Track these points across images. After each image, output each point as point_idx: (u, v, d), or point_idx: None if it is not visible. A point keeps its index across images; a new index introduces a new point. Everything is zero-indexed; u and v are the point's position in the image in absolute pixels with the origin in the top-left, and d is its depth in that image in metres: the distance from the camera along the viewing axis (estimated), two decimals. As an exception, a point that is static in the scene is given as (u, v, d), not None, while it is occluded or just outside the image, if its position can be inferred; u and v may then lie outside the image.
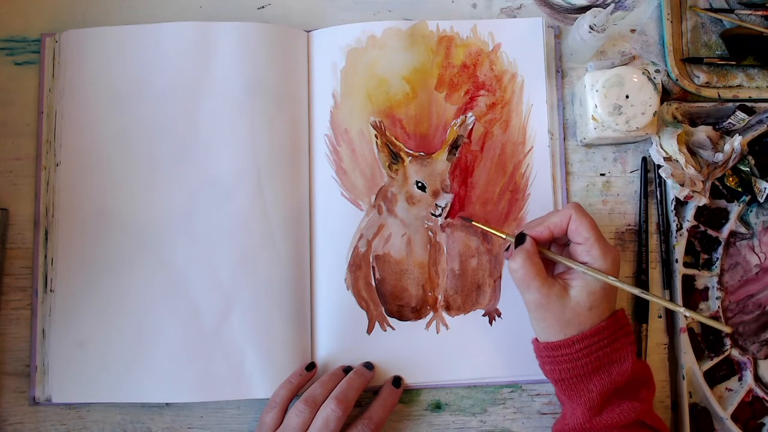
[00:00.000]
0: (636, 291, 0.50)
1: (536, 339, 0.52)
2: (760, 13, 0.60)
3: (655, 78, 0.57)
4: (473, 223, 0.57)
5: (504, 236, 0.55)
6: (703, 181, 0.56)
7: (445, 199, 0.58)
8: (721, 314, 0.58)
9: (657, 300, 0.50)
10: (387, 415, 0.54)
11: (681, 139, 0.56)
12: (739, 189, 0.58)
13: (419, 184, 0.58)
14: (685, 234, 0.58)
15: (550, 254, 0.52)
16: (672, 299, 0.58)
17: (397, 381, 0.55)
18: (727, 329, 0.49)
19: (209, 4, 0.61)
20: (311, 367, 0.55)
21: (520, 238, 0.52)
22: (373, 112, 0.58)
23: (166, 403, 0.56)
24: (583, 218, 0.50)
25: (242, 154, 0.57)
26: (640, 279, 0.58)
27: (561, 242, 0.54)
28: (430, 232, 0.58)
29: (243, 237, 0.56)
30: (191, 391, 0.55)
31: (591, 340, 0.49)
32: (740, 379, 0.58)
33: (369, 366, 0.55)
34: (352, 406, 0.52)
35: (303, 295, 0.57)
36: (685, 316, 0.55)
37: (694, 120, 0.60)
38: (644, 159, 0.60)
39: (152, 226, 0.56)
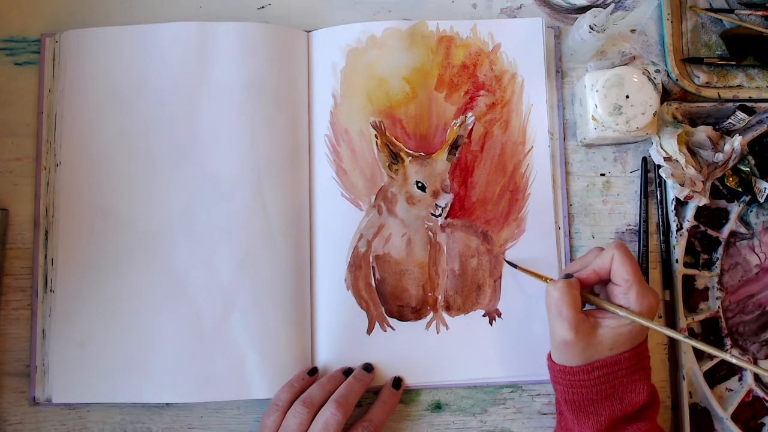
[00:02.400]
0: (679, 336, 0.49)
1: (551, 357, 0.51)
2: (760, 13, 0.60)
3: (655, 78, 0.57)
4: (518, 267, 0.56)
5: (545, 281, 0.53)
6: (703, 181, 0.56)
7: (445, 199, 0.58)
8: (721, 314, 0.58)
9: (705, 348, 0.48)
10: (387, 417, 0.54)
11: (681, 139, 0.56)
12: (739, 189, 0.58)
13: (419, 184, 0.58)
14: (685, 234, 0.58)
15: (591, 298, 0.51)
16: (672, 299, 0.58)
17: (397, 383, 0.55)
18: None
19: (209, 5, 0.61)
20: (313, 372, 0.55)
21: (566, 278, 0.51)
22: (373, 112, 0.58)
23: (166, 404, 0.56)
24: (626, 260, 0.49)
25: (242, 154, 0.57)
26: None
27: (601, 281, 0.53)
28: (430, 233, 0.58)
29: (243, 237, 0.56)
30: (191, 392, 0.55)
31: (609, 368, 0.48)
32: (740, 379, 0.58)
33: (368, 368, 0.55)
34: (352, 410, 0.52)
35: (303, 295, 0.57)
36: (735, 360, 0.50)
37: (694, 120, 0.60)
38: (644, 159, 0.60)
39: (152, 226, 0.56)
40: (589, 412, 0.49)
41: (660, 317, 0.58)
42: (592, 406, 0.49)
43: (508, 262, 0.57)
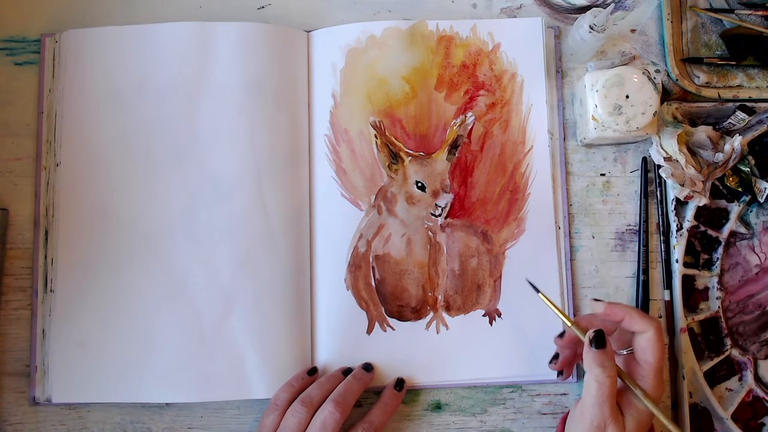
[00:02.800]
0: None
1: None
2: (760, 13, 0.60)
3: (655, 78, 0.57)
4: (540, 295, 0.51)
5: (577, 332, 0.49)
6: (703, 181, 0.56)
7: (445, 199, 0.58)
8: (721, 314, 0.58)
9: None
10: (388, 418, 0.54)
11: (681, 139, 0.56)
12: (739, 189, 0.58)
13: (419, 184, 0.58)
14: (685, 234, 0.58)
15: (618, 371, 0.47)
16: (672, 299, 0.58)
17: (399, 384, 0.55)
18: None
19: (209, 4, 0.61)
20: (313, 371, 0.55)
21: (600, 338, 0.47)
22: (373, 112, 0.58)
23: (166, 403, 0.56)
24: (660, 342, 0.47)
25: (242, 154, 0.57)
26: (640, 279, 0.58)
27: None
28: (430, 232, 0.58)
29: (243, 237, 0.56)
30: (191, 391, 0.55)
31: None
32: (740, 379, 0.58)
33: (368, 367, 0.55)
34: (350, 409, 0.52)
35: (303, 295, 0.57)
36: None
37: (694, 120, 0.60)
38: (644, 159, 0.60)
39: (152, 226, 0.56)
40: None
41: (660, 317, 0.58)
42: None
43: (531, 285, 0.53)
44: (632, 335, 0.48)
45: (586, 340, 0.47)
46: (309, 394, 0.52)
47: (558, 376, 0.55)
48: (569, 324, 0.50)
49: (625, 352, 0.50)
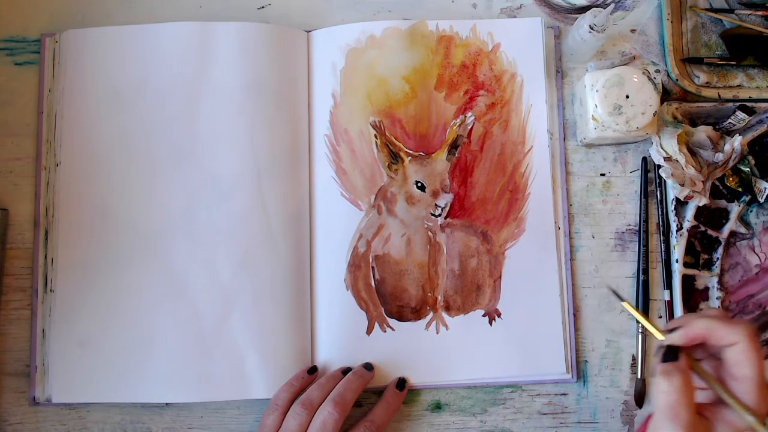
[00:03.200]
0: None
1: None
2: (760, 13, 0.60)
3: (655, 78, 0.57)
4: (624, 303, 0.46)
5: (654, 332, 0.43)
6: (703, 181, 0.56)
7: (445, 199, 0.58)
8: (721, 314, 0.58)
9: None
10: (390, 418, 0.54)
11: (681, 139, 0.56)
12: (739, 189, 0.58)
13: (419, 184, 0.58)
14: (685, 234, 0.58)
15: (706, 376, 0.41)
16: (672, 299, 0.58)
17: (401, 384, 0.55)
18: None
19: (209, 5, 0.61)
20: (313, 370, 0.55)
21: (671, 353, 0.41)
22: (373, 112, 0.58)
23: (166, 403, 0.56)
24: (756, 352, 0.40)
25: (242, 154, 0.57)
26: (640, 279, 0.58)
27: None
28: (429, 233, 0.58)
29: (243, 237, 0.56)
30: (191, 391, 0.55)
31: None
32: (740, 379, 0.58)
33: (368, 367, 0.55)
34: (349, 409, 0.51)
35: (303, 295, 0.57)
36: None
37: (694, 120, 0.60)
38: (644, 159, 0.60)
39: (152, 226, 0.56)
40: None
41: (660, 317, 0.58)
42: None
43: (615, 294, 0.48)
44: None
45: (655, 356, 0.42)
46: (309, 396, 0.52)
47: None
48: (658, 335, 0.43)
49: (749, 420, 0.41)
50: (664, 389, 0.40)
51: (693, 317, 0.42)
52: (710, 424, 0.41)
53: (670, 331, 0.42)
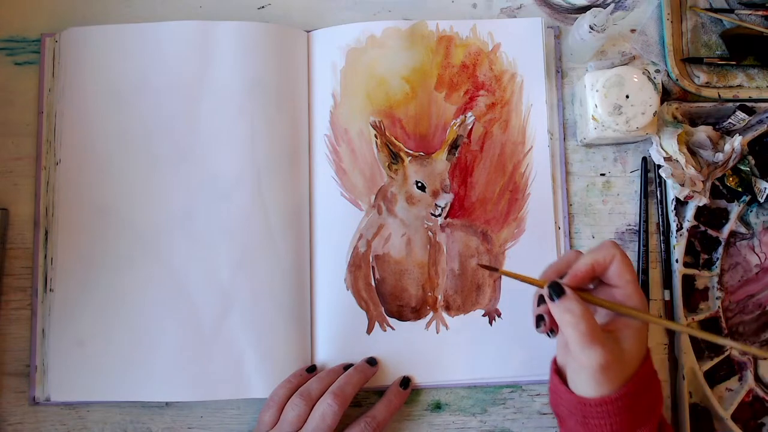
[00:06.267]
0: (701, 335, 0.47)
1: (577, 396, 0.45)
2: (760, 13, 0.60)
3: (655, 78, 0.57)
4: (500, 271, 0.49)
5: (535, 284, 0.47)
6: (703, 181, 0.56)
7: (445, 199, 0.58)
8: (721, 314, 0.58)
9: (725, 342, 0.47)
10: (391, 416, 0.53)
11: (681, 139, 0.56)
12: (739, 189, 0.58)
13: (419, 184, 0.58)
14: (685, 234, 0.58)
15: (595, 300, 0.46)
16: (672, 299, 0.58)
17: (405, 382, 0.55)
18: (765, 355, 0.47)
19: (209, 4, 0.61)
20: (312, 369, 0.55)
21: (555, 288, 0.45)
22: (373, 112, 0.58)
23: (166, 403, 0.56)
24: (627, 260, 0.46)
25: (242, 153, 0.57)
26: (640, 279, 0.58)
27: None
28: (429, 232, 0.58)
29: (242, 236, 0.56)
30: (190, 390, 0.55)
31: (643, 381, 0.45)
32: (740, 380, 0.58)
33: (372, 362, 0.55)
34: (349, 402, 0.51)
35: (303, 294, 0.57)
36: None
37: (694, 120, 0.60)
38: (644, 159, 0.60)
39: (152, 226, 0.56)
40: None
41: (660, 317, 0.58)
42: (631, 429, 0.44)
43: (486, 267, 0.52)
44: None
45: (546, 297, 0.45)
46: (308, 388, 0.52)
47: (549, 335, 0.49)
48: (539, 284, 0.47)
49: (592, 287, 0.49)
50: (571, 322, 0.43)
51: (562, 264, 0.48)
52: (616, 335, 0.45)
53: (556, 285, 0.45)
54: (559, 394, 0.47)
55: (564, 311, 0.44)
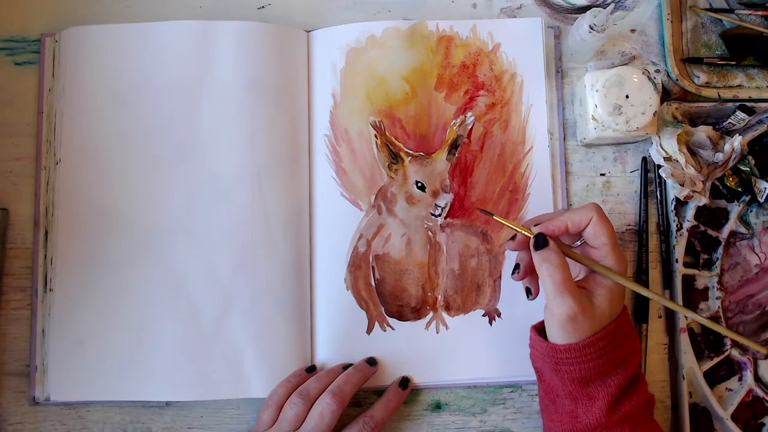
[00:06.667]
0: (667, 303, 0.51)
1: (548, 343, 0.49)
2: (760, 13, 0.60)
3: (655, 78, 0.57)
4: (494, 217, 0.51)
5: (523, 232, 0.50)
6: (703, 181, 0.56)
7: (445, 199, 0.58)
8: (721, 314, 0.58)
9: (688, 313, 0.50)
10: (390, 416, 0.53)
11: (681, 139, 0.56)
12: (739, 189, 0.58)
13: (419, 184, 0.58)
14: (685, 234, 0.58)
15: (574, 255, 0.50)
16: (672, 299, 0.58)
17: (404, 383, 0.55)
18: (763, 350, 0.50)
19: (209, 4, 0.61)
20: (312, 369, 0.55)
21: (539, 240, 0.49)
22: (373, 112, 0.58)
23: (166, 403, 0.56)
24: (605, 223, 0.49)
25: (242, 153, 0.57)
26: (641, 279, 0.58)
27: (567, 241, 0.53)
28: (429, 232, 0.58)
29: (242, 236, 0.56)
30: (190, 390, 0.55)
31: (612, 335, 0.48)
32: (740, 379, 0.58)
33: (371, 362, 0.55)
34: (348, 401, 0.51)
35: (303, 294, 0.57)
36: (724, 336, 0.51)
37: (694, 120, 0.60)
38: (644, 159, 0.60)
39: (152, 225, 0.56)
40: (598, 386, 0.48)
41: (660, 317, 0.58)
42: (600, 378, 0.48)
43: (482, 210, 0.54)
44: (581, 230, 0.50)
45: (531, 245, 0.49)
46: (307, 387, 0.52)
47: (528, 296, 0.53)
48: (523, 232, 0.50)
49: (578, 243, 0.52)
50: (548, 272, 0.48)
51: (546, 218, 0.51)
52: (589, 292, 0.49)
53: (540, 236, 0.49)
54: (535, 346, 0.50)
55: (543, 260, 0.48)
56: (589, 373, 0.48)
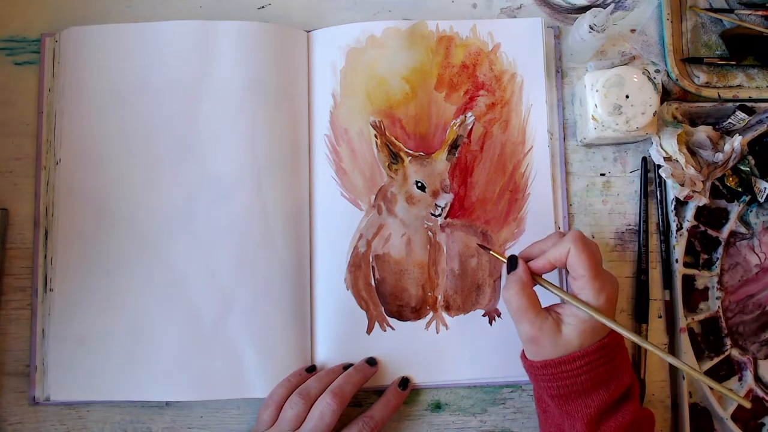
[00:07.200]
0: (636, 339, 0.48)
1: (526, 356, 0.50)
2: (760, 13, 0.60)
3: (655, 78, 0.57)
4: (491, 252, 0.54)
5: (498, 257, 0.53)
6: (703, 181, 0.56)
7: (445, 199, 0.58)
8: (721, 314, 0.58)
9: (660, 353, 0.47)
10: (389, 416, 0.53)
11: (681, 139, 0.56)
12: (739, 189, 0.58)
13: (419, 184, 0.58)
14: (685, 234, 0.58)
15: (546, 285, 0.50)
16: (672, 299, 0.58)
17: (403, 383, 0.55)
18: (747, 404, 0.47)
19: (209, 4, 0.61)
20: (312, 369, 0.55)
21: (512, 262, 0.50)
22: (373, 112, 0.58)
23: (166, 403, 0.56)
24: (582, 254, 0.47)
25: (242, 153, 0.57)
26: (640, 279, 0.58)
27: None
28: (429, 232, 0.58)
29: (242, 236, 0.56)
30: (190, 390, 0.55)
31: (593, 356, 0.47)
32: (740, 379, 0.58)
33: (371, 362, 0.55)
34: (348, 401, 0.51)
35: (303, 294, 0.57)
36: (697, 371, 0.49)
37: (694, 120, 0.60)
38: (644, 159, 0.60)
39: (152, 225, 0.56)
40: (577, 404, 0.48)
41: (660, 317, 0.58)
42: (580, 397, 0.48)
43: (482, 246, 0.56)
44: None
45: (505, 268, 0.51)
46: (307, 387, 0.52)
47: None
48: (498, 257, 0.53)
49: (584, 311, 0.49)
50: (506, 297, 0.49)
51: (537, 249, 0.51)
52: (560, 318, 0.49)
53: (512, 259, 0.51)
54: (521, 357, 0.52)
55: (507, 284, 0.50)
56: (567, 390, 0.48)
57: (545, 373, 0.49)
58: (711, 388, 0.56)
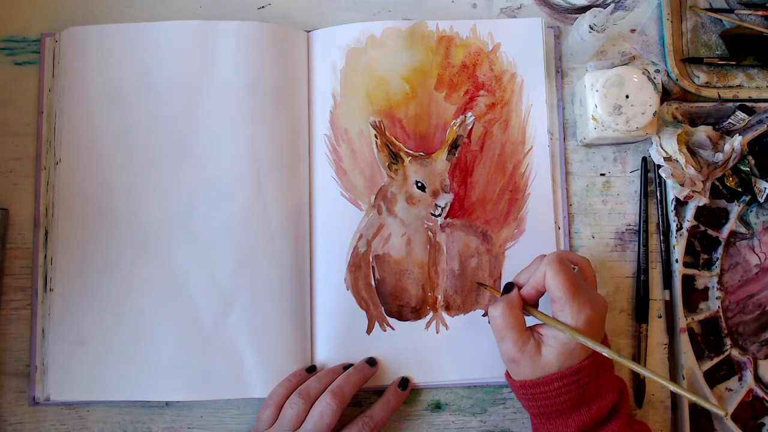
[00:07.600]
0: (616, 357, 0.47)
1: (509, 374, 0.52)
2: (760, 13, 0.60)
3: (655, 78, 0.57)
4: (488, 288, 0.56)
5: (494, 292, 0.55)
6: (703, 181, 0.56)
7: (445, 199, 0.58)
8: (721, 314, 0.58)
9: (643, 371, 0.47)
10: (389, 416, 0.53)
11: (681, 139, 0.56)
12: (739, 189, 0.58)
13: (419, 184, 0.58)
14: (685, 234, 0.58)
15: (534, 313, 0.51)
16: (672, 299, 0.58)
17: (403, 383, 0.55)
18: (721, 412, 0.46)
19: (209, 4, 0.61)
20: (312, 369, 0.55)
21: (507, 288, 0.52)
22: (373, 112, 0.58)
23: (166, 403, 0.56)
24: (558, 275, 0.48)
25: (242, 153, 0.57)
26: (640, 279, 0.58)
27: None
28: (429, 232, 0.58)
29: (242, 236, 0.56)
30: (190, 390, 0.55)
31: (571, 378, 0.48)
32: (740, 379, 0.58)
33: (371, 362, 0.55)
34: (348, 401, 0.51)
35: (303, 294, 0.57)
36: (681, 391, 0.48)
37: (694, 120, 0.60)
38: (644, 159, 0.60)
39: (152, 225, 0.56)
40: (558, 424, 0.49)
41: (660, 317, 0.58)
42: (561, 417, 0.49)
43: (481, 284, 0.57)
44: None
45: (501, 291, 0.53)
46: (307, 387, 0.52)
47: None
48: (495, 293, 0.55)
49: (563, 333, 0.49)
50: (492, 314, 0.50)
51: (525, 274, 0.52)
52: (542, 338, 0.49)
53: (507, 286, 0.52)
54: (505, 376, 0.53)
55: (496, 302, 0.51)
56: (547, 410, 0.49)
57: (525, 393, 0.50)
58: (711, 388, 0.56)
